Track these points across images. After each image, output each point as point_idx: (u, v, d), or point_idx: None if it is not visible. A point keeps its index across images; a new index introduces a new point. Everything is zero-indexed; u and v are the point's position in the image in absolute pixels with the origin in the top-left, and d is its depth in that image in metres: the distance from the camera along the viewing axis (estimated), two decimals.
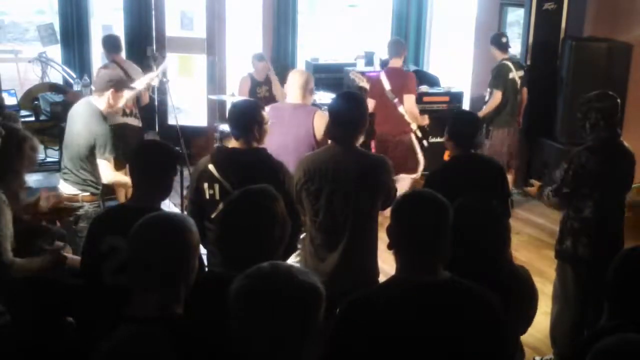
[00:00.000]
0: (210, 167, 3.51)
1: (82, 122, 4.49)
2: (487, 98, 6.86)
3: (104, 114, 4.51)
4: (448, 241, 2.15)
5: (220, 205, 3.37)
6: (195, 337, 1.95)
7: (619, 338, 1.77)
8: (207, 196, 3.49)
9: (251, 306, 1.67)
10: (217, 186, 3.47)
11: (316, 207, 3.47)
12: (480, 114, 6.74)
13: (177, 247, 2.01)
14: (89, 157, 4.47)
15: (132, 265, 2.02)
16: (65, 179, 4.55)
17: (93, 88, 4.82)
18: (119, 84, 4.53)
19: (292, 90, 4.53)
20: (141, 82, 5.46)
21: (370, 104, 6.11)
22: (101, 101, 4.50)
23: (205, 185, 3.50)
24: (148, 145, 3.69)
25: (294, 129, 4.37)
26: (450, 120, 3.99)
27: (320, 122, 4.31)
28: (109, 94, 4.47)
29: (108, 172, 4.47)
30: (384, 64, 8.20)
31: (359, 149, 3.57)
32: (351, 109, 3.51)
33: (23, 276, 3.13)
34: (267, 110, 3.99)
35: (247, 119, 3.58)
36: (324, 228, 3.49)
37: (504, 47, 6.82)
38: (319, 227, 3.50)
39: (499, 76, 6.72)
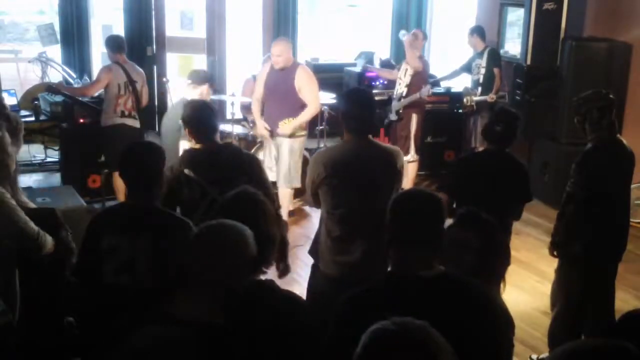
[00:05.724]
0: (186, 171, 3.56)
1: None
2: (481, 80, 7.56)
3: None
4: (442, 237, 2.19)
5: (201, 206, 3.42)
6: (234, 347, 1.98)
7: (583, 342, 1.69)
8: (185, 199, 3.53)
9: None
10: (196, 188, 3.52)
11: (336, 200, 3.51)
12: (494, 92, 7.45)
13: (236, 255, 2.07)
14: None
15: (192, 268, 2.06)
16: None
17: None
18: None
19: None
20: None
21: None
22: None
23: (185, 189, 3.54)
24: (137, 145, 3.69)
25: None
26: (499, 115, 4.01)
27: None
28: None
29: None
30: (384, 64, 8.18)
31: (375, 141, 3.66)
32: (361, 103, 3.58)
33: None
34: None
35: (215, 118, 3.81)
36: (345, 220, 3.52)
37: (485, 37, 7.74)
38: (339, 220, 3.52)
39: (498, 57, 7.64)
